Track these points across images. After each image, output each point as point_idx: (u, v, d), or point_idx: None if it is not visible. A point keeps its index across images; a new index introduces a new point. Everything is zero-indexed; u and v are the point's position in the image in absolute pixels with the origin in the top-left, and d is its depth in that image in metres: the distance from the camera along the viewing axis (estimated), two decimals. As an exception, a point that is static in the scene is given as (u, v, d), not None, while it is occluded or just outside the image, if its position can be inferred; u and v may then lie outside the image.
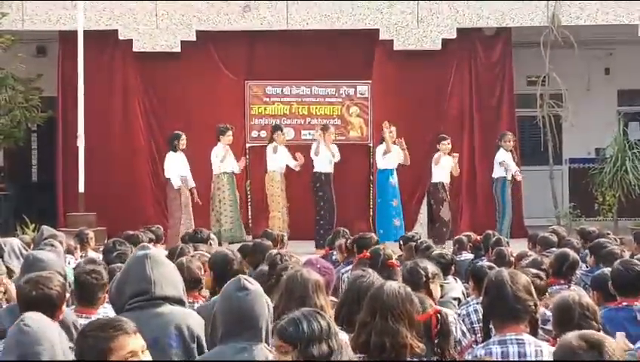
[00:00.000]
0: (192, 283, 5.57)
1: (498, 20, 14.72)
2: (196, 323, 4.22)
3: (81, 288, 5.26)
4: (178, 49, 14.60)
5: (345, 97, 15.25)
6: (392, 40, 14.65)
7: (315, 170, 13.52)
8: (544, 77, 15.02)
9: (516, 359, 3.98)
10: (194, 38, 14.61)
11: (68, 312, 4.88)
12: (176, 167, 13.37)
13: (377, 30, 14.64)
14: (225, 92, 14.95)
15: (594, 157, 16.24)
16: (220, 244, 10.44)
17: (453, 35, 14.68)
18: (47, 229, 8.23)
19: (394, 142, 13.36)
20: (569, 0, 14.59)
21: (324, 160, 13.51)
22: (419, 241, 8.59)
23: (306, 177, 13.66)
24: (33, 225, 12.84)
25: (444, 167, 13.71)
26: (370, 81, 15.11)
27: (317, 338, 3.37)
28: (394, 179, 13.56)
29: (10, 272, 6.18)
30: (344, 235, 9.12)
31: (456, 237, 10.09)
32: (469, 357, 4.19)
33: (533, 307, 4.13)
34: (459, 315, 5.84)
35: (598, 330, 3.97)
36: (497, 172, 13.95)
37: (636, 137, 16.17)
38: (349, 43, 14.91)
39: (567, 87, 14.98)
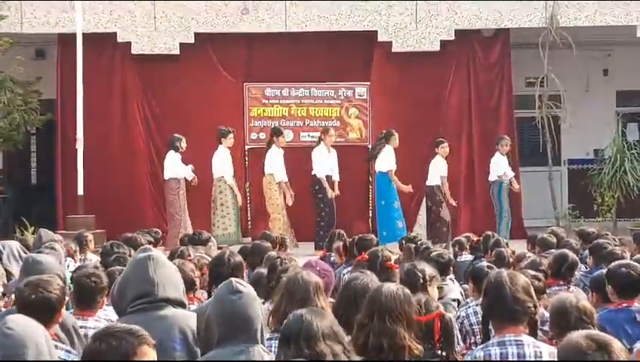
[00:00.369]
0: (185, 285, 5.56)
1: (497, 21, 14.71)
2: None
3: (80, 291, 5.24)
4: (177, 51, 14.59)
5: (344, 99, 15.23)
6: (391, 41, 14.64)
7: (314, 173, 13.51)
8: (543, 78, 15.03)
9: (515, 360, 3.98)
10: (192, 41, 14.58)
11: (68, 315, 4.87)
12: (179, 164, 13.41)
13: (376, 32, 14.63)
14: (224, 94, 14.93)
15: (593, 158, 16.21)
16: (219, 248, 10.44)
17: (452, 37, 14.67)
18: (45, 232, 8.22)
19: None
20: (567, 1, 14.60)
21: (324, 163, 13.51)
22: (419, 243, 8.60)
23: (305, 180, 13.65)
24: (32, 227, 12.82)
25: (441, 171, 13.71)
26: (368, 83, 15.09)
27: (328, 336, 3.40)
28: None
29: (9, 275, 6.19)
30: (340, 237, 9.11)
31: (455, 239, 10.09)
32: (468, 359, 4.18)
33: (533, 308, 4.12)
34: (458, 317, 5.85)
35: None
36: (493, 175, 13.97)
37: (635, 138, 16.20)
38: (348, 44, 14.90)
39: (566, 88, 14.99)
